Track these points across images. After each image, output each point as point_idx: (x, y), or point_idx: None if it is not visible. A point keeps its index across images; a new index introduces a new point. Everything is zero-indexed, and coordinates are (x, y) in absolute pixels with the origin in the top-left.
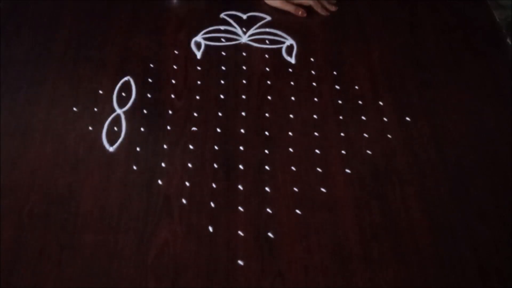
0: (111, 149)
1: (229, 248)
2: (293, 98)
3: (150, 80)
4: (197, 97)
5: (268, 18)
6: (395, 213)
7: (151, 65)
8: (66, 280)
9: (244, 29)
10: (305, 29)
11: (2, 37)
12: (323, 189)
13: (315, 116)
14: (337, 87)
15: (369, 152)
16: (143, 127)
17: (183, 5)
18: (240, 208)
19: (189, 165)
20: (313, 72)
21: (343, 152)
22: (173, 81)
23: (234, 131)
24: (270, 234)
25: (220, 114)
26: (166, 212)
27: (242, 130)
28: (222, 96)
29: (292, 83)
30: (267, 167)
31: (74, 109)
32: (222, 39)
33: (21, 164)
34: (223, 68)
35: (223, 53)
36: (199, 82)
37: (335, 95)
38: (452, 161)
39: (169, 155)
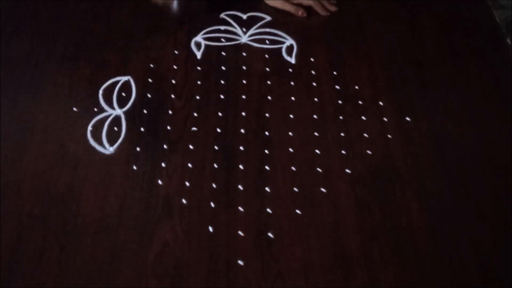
0: (111, 149)
1: (229, 248)
2: (293, 98)
3: (150, 80)
4: (197, 97)
5: (268, 18)
6: (395, 213)
7: (151, 65)
8: (66, 280)
9: (244, 29)
10: (305, 29)
11: (2, 37)
12: (323, 189)
13: (315, 116)
14: (337, 87)
15: (369, 152)
16: (143, 127)
17: (183, 5)
18: (240, 208)
19: (189, 165)
20: (313, 72)
21: (343, 152)
22: (173, 81)
23: (234, 131)
24: (270, 234)
25: (220, 114)
26: (166, 212)
27: (242, 130)
28: (222, 96)
29: (292, 83)
30: (267, 167)
31: (74, 109)
32: (222, 39)
33: (21, 164)
34: (223, 68)
35: (223, 53)
36: (199, 82)
37: (335, 95)
38: (452, 161)
39: (169, 155)
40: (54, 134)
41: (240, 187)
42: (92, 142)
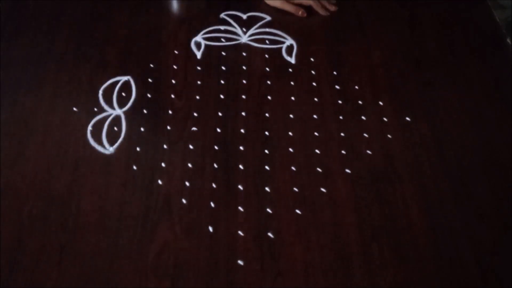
0: (111, 149)
1: (229, 248)
2: (293, 98)
3: (150, 80)
4: (197, 97)
5: (268, 18)
6: (395, 213)
7: (151, 65)
8: (66, 280)
9: (244, 29)
10: (305, 29)
11: (2, 37)
12: (323, 189)
13: (315, 116)
14: (337, 87)
15: (369, 152)
16: (143, 127)
17: (183, 5)
18: (240, 208)
19: (189, 165)
20: (313, 72)
21: (343, 152)
22: (173, 81)
23: (234, 131)
24: (270, 234)
25: (220, 114)
26: (166, 212)
27: (242, 130)
28: (222, 96)
29: (292, 83)
30: (267, 167)
31: (74, 109)
32: (222, 39)
33: (21, 164)
34: (223, 68)
35: (223, 53)
36: (199, 82)
37: (335, 95)
38: (452, 161)
39: (169, 155)
40: (54, 134)
41: (240, 187)
42: (92, 142)
